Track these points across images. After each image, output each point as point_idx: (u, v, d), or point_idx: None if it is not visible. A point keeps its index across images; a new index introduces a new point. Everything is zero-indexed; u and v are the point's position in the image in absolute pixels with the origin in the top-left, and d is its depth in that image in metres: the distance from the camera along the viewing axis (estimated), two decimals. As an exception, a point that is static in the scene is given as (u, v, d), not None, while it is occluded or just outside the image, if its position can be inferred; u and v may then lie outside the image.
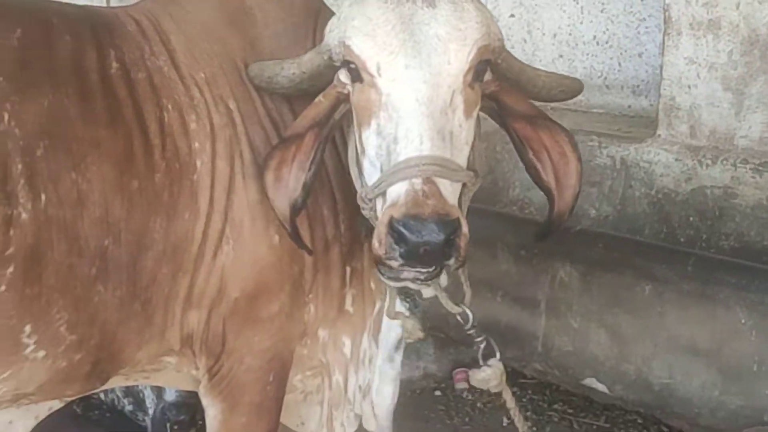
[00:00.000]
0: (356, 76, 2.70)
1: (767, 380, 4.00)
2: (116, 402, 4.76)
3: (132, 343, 2.94)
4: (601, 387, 4.48)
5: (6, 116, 2.61)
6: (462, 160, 2.64)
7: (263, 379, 3.13)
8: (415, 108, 2.56)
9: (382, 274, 2.72)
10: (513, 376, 4.85)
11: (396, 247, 2.47)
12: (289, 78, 2.90)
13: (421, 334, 3.15)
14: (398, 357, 3.34)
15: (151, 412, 4.62)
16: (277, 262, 3.00)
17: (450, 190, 2.54)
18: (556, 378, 4.75)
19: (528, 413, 4.52)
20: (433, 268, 2.57)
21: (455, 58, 2.61)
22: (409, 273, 2.59)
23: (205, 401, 3.21)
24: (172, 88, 2.93)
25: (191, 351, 3.08)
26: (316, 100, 2.84)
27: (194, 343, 3.05)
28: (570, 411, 4.57)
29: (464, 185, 2.70)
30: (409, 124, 2.55)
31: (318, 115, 2.81)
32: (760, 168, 4.39)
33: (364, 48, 2.65)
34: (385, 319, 3.25)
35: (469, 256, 2.55)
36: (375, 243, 2.55)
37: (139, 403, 4.68)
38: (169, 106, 2.90)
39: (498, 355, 3.10)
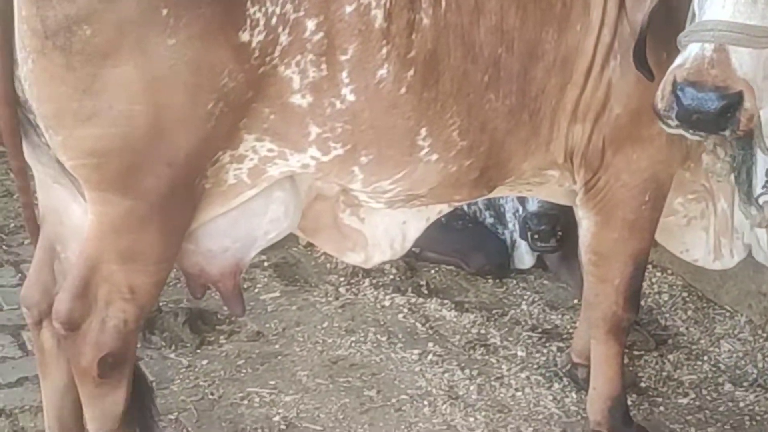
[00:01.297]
0: None
1: None
2: (478, 214, 4.88)
3: (519, 153, 2.99)
4: None
5: None
6: None
7: (638, 197, 3.11)
8: None
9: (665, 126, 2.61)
10: None
11: (674, 107, 2.42)
12: None
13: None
14: None
15: (510, 226, 4.71)
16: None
17: (747, 60, 2.39)
18: None
19: None
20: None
21: None
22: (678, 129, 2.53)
23: (580, 213, 3.24)
24: None
25: (571, 164, 3.08)
26: None
27: (575, 156, 3.05)
28: None
29: None
30: None
31: None
32: None
33: None
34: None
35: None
36: (658, 97, 2.49)
37: (500, 216, 4.78)
38: None
39: None
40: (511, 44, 2.80)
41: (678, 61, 2.47)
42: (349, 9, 2.59)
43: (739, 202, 3.11)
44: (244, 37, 2.51)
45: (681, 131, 2.54)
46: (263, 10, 2.51)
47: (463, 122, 2.83)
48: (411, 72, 2.70)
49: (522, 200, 4.53)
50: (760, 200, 3.00)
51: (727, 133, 2.44)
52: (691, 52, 2.43)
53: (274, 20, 2.53)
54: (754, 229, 3.31)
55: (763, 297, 4.26)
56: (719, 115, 2.38)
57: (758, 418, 3.69)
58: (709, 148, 3.03)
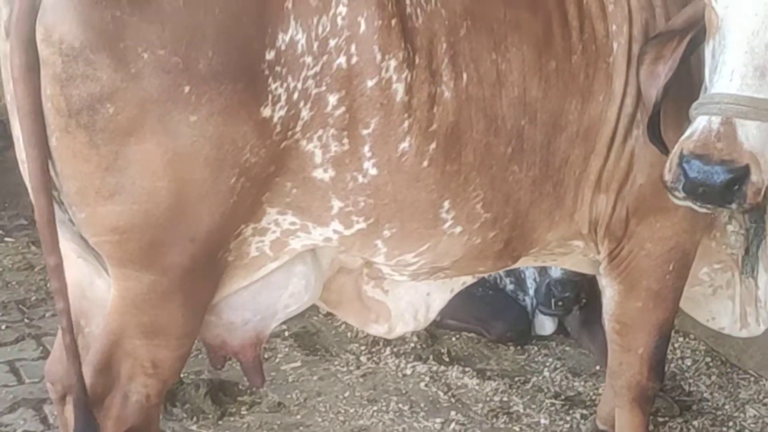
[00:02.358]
0: None
1: None
2: (498, 281, 4.82)
3: (543, 224, 2.94)
4: None
5: None
6: None
7: (662, 267, 3.06)
8: (737, 40, 2.41)
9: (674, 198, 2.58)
10: None
11: (681, 179, 2.41)
12: None
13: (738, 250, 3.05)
14: None
15: (531, 292, 4.66)
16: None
17: (755, 133, 2.37)
18: None
19: None
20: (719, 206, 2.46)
21: None
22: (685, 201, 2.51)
23: (604, 282, 3.20)
24: None
25: (596, 234, 3.04)
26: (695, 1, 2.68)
27: (599, 226, 3.01)
28: None
29: None
30: (728, 57, 2.42)
31: (690, 16, 2.68)
32: None
33: None
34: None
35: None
36: (666, 169, 2.48)
37: (520, 283, 4.73)
38: None
39: None
40: (534, 116, 2.78)
41: (686, 133, 2.46)
42: (370, 83, 2.57)
43: (748, 273, 3.10)
44: (266, 112, 2.49)
45: (689, 203, 2.52)
46: (285, 85, 2.50)
47: (487, 194, 2.80)
48: (433, 145, 2.67)
49: (543, 267, 4.49)
50: None
51: (734, 206, 2.42)
52: (699, 124, 2.42)
53: (295, 95, 2.52)
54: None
55: (786, 360, 4.22)
56: (725, 188, 2.36)
57: (786, 486, 3.64)
58: (724, 220, 3.01)
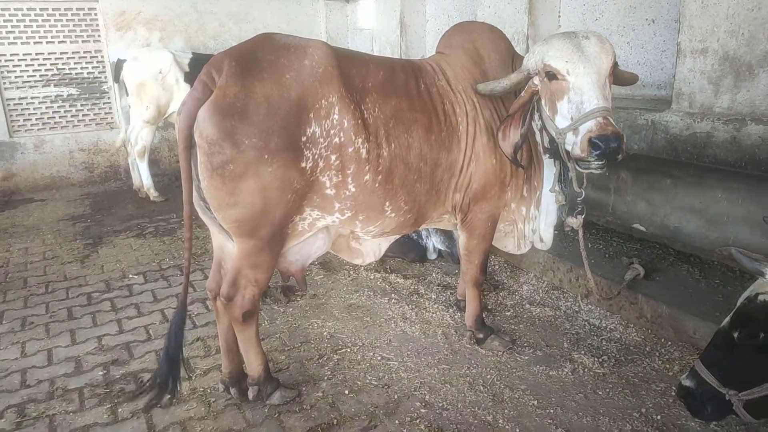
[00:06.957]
0: (552, 77, 2.49)
1: (732, 225, 3.55)
2: (410, 234, 4.77)
3: (431, 209, 2.92)
4: (642, 228, 4.09)
5: (377, 109, 2.59)
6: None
7: (485, 224, 3.05)
8: (591, 86, 2.38)
9: (580, 167, 2.50)
10: (594, 225, 4.57)
11: (593, 151, 2.32)
12: (503, 87, 2.72)
13: (564, 202, 2.96)
14: (554, 215, 3.14)
15: (424, 239, 4.60)
16: (494, 171, 2.87)
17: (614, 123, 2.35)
18: (616, 225, 4.36)
19: (600, 241, 4.25)
20: (609, 161, 2.40)
21: (606, 62, 2.40)
22: (596, 165, 2.42)
23: (459, 233, 3.16)
24: (448, 94, 2.81)
25: (455, 211, 3.02)
26: (521, 95, 2.66)
27: (456, 208, 2.98)
28: (621, 241, 4.25)
29: None
30: (591, 93, 2.37)
31: (523, 101, 2.64)
32: (726, 122, 3.83)
33: (557, 63, 2.45)
34: (547, 196, 3.06)
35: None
36: (578, 151, 2.38)
37: (419, 234, 4.66)
38: (447, 102, 2.79)
39: (584, 214, 2.91)
40: (426, 161, 2.75)
41: (584, 131, 2.36)
42: (350, 149, 2.53)
43: (565, 217, 3.02)
44: (303, 165, 2.44)
45: (597, 164, 2.40)
46: (312, 152, 2.45)
47: (406, 198, 2.76)
48: (380, 177, 2.63)
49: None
50: (577, 216, 2.94)
51: (619, 157, 2.34)
52: (591, 124, 2.34)
53: (316, 156, 2.47)
54: (535, 235, 3.25)
55: (539, 264, 4.20)
56: (619, 146, 2.30)
57: (541, 321, 3.63)
58: (555, 188, 2.94)
